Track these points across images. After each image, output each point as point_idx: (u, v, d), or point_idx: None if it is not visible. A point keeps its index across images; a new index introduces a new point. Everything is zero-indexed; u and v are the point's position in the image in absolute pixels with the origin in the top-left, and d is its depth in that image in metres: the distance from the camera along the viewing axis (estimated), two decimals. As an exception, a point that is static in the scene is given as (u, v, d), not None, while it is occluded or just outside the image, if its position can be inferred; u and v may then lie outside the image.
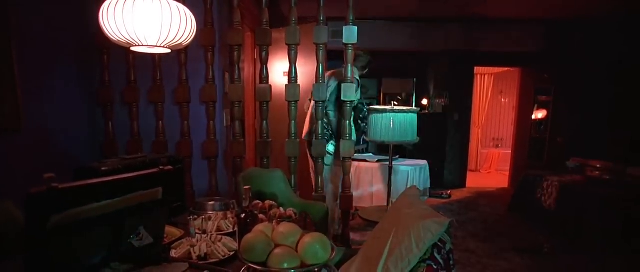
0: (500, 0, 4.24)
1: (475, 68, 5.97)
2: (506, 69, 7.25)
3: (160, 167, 1.38)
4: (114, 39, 1.48)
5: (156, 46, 1.52)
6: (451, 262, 1.24)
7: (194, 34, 1.63)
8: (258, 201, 2.07)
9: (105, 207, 1.18)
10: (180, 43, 1.59)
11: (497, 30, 5.28)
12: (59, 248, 1.10)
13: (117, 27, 1.40)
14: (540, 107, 6.11)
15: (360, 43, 5.18)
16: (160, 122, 2.90)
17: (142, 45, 1.49)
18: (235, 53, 2.81)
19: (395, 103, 8.30)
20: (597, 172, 4.15)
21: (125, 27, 1.40)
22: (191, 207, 2.17)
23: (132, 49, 1.56)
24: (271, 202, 2.05)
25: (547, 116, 6.08)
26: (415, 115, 2.81)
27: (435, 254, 1.21)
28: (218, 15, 2.85)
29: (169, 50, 1.65)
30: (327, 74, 3.56)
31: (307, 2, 2.81)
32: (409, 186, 3.83)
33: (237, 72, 2.84)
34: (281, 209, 1.97)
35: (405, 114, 2.76)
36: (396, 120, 2.74)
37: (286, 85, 2.77)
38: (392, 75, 7.38)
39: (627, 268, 3.03)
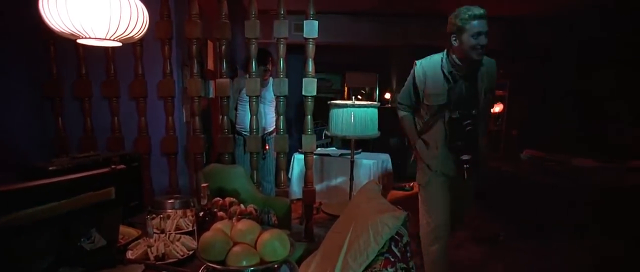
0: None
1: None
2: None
3: (113, 166, 1.32)
4: (57, 29, 1.39)
5: (105, 39, 1.44)
6: (408, 254, 1.28)
7: (147, 27, 1.57)
8: (218, 198, 2.03)
9: (51, 209, 1.11)
10: (132, 36, 1.52)
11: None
12: (1, 254, 1.03)
13: (60, 17, 1.31)
14: (496, 101, 6.37)
15: (324, 37, 5.22)
16: (116, 118, 2.78)
17: (90, 38, 1.41)
18: (194, 46, 2.73)
19: (360, 97, 8.42)
20: (546, 164, 4.39)
21: (69, 18, 1.32)
22: (149, 206, 2.10)
23: (79, 41, 1.48)
24: (231, 199, 2.01)
25: (503, 110, 6.35)
26: (376, 110, 2.86)
27: (393, 247, 1.24)
28: (175, 6, 2.76)
29: (119, 44, 1.57)
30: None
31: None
32: (372, 178, 3.90)
33: (196, 66, 2.77)
34: (242, 205, 1.94)
35: (365, 109, 2.79)
36: (357, 115, 2.77)
37: (247, 79, 2.73)
38: (356, 69, 7.45)
39: (574, 253, 3.22)
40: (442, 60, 2.11)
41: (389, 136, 5.75)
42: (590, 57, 4.82)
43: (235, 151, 3.59)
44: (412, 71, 2.23)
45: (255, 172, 2.86)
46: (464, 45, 1.97)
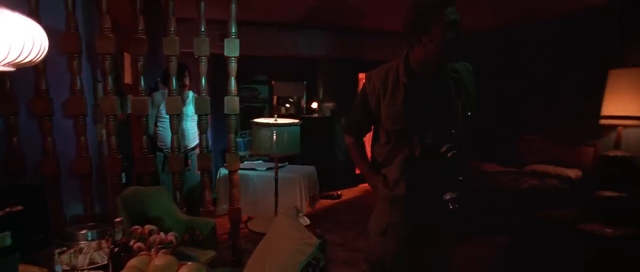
0: (378, 15, 4.61)
1: (361, 73, 6.40)
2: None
3: (8, 208, 1.21)
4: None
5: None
6: (325, 277, 1.33)
7: (45, 52, 1.45)
8: (137, 227, 1.94)
9: None
10: (29, 61, 1.41)
11: (378, 40, 5.72)
12: None
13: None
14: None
15: (251, 48, 5.19)
16: (15, 138, 2.52)
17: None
18: (108, 62, 2.59)
19: (288, 105, 8.49)
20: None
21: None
22: (59, 238, 1.94)
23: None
24: (151, 227, 1.94)
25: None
26: (298, 128, 2.91)
27: (310, 272, 1.29)
28: (86, 18, 2.59)
29: (12, 69, 1.45)
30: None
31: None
32: (297, 193, 3.97)
33: (110, 82, 2.62)
34: (162, 234, 1.89)
35: (287, 127, 2.84)
36: (279, 133, 2.80)
37: (166, 98, 2.64)
38: (284, 79, 7.50)
39: (483, 250, 3.55)
40: (399, 70, 1.58)
41: (316, 145, 5.88)
42: (504, 69, 5.31)
43: (157, 169, 3.45)
44: (361, 88, 1.73)
45: (178, 192, 2.77)
46: (434, 43, 1.45)
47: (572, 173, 4.06)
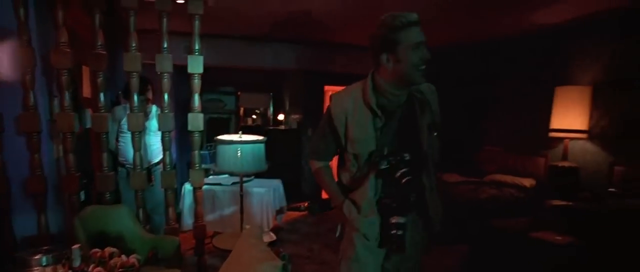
0: (345, 29, 4.71)
1: (328, 86, 6.48)
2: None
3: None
4: None
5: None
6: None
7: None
8: (96, 250, 1.88)
9: None
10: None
11: (345, 54, 5.83)
12: None
13: None
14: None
15: (217, 59, 5.15)
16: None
17: None
18: (64, 77, 2.50)
19: (254, 117, 8.44)
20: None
21: None
22: (10, 264, 1.85)
23: None
24: (112, 249, 1.88)
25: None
26: (263, 146, 2.89)
27: (274, 294, 1.30)
28: (41, 30, 2.49)
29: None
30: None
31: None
32: (263, 207, 3.96)
33: (67, 97, 2.53)
34: (123, 256, 1.84)
35: (252, 145, 2.81)
36: (243, 151, 2.78)
37: (128, 114, 2.59)
38: (250, 90, 7.48)
39: (443, 259, 3.66)
40: (364, 91, 1.57)
41: (282, 157, 5.90)
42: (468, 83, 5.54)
43: (119, 185, 3.34)
44: (326, 111, 1.69)
45: (141, 210, 2.71)
46: (401, 64, 1.47)
47: (527, 182, 4.29)
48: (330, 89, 8.26)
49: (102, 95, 2.56)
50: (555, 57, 4.37)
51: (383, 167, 1.52)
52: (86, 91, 3.74)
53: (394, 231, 1.53)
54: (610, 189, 3.50)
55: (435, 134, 1.62)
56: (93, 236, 2.34)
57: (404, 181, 1.48)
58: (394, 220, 1.53)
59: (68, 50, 2.47)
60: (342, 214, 1.66)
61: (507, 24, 4.19)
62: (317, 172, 1.77)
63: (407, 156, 1.53)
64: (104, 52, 2.52)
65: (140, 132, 2.63)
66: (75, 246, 1.39)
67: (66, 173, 2.59)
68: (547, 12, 3.65)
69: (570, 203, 3.35)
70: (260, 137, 2.97)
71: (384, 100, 1.55)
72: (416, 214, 1.62)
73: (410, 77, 1.50)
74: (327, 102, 7.95)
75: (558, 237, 2.97)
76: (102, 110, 2.57)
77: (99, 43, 2.50)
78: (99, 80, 2.55)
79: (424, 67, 1.48)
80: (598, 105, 3.83)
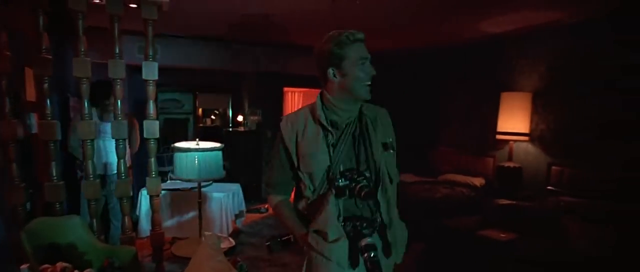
0: (301, 32, 4.75)
1: (286, 87, 6.49)
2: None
3: None
4: None
5: None
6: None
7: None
8: (47, 266, 1.81)
9: None
10: None
11: (303, 56, 5.85)
12: None
13: None
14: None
15: (175, 59, 5.02)
16: None
17: None
18: (3, 82, 2.37)
19: (213, 117, 8.30)
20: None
21: None
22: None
23: None
24: (63, 264, 1.82)
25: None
26: (220, 153, 2.87)
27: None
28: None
29: None
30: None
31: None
32: (222, 212, 3.93)
33: (8, 104, 2.40)
34: (76, 271, 1.78)
35: (209, 152, 2.79)
36: (201, 158, 2.76)
37: (79, 122, 2.49)
38: (208, 91, 7.34)
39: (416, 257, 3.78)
40: (315, 109, 1.56)
41: (242, 159, 5.86)
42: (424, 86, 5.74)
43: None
44: (277, 137, 1.62)
45: (94, 220, 2.61)
46: (347, 79, 1.48)
47: (477, 181, 4.53)
48: (289, 91, 8.30)
49: (48, 102, 2.45)
50: (501, 64, 4.65)
51: (341, 184, 1.45)
52: (30, 94, 3.53)
53: (366, 254, 1.42)
54: (548, 187, 3.80)
55: (391, 151, 1.58)
56: (42, 249, 2.24)
57: (363, 193, 1.42)
58: (363, 243, 1.44)
59: (8, 54, 2.34)
60: (308, 246, 1.56)
61: (457, 32, 4.41)
62: (276, 207, 1.67)
63: (366, 172, 1.50)
64: (49, 57, 2.41)
65: (92, 140, 2.54)
66: (24, 266, 1.34)
67: (10, 184, 2.46)
68: (495, 21, 3.89)
69: (514, 202, 3.59)
70: (218, 144, 2.95)
71: (334, 116, 1.54)
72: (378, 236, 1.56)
73: (357, 92, 1.49)
74: (286, 103, 7.92)
75: (502, 235, 3.18)
76: (49, 117, 2.46)
77: (44, 47, 2.39)
78: (45, 86, 2.43)
79: (369, 82, 1.49)
80: (537, 110, 4.13)
